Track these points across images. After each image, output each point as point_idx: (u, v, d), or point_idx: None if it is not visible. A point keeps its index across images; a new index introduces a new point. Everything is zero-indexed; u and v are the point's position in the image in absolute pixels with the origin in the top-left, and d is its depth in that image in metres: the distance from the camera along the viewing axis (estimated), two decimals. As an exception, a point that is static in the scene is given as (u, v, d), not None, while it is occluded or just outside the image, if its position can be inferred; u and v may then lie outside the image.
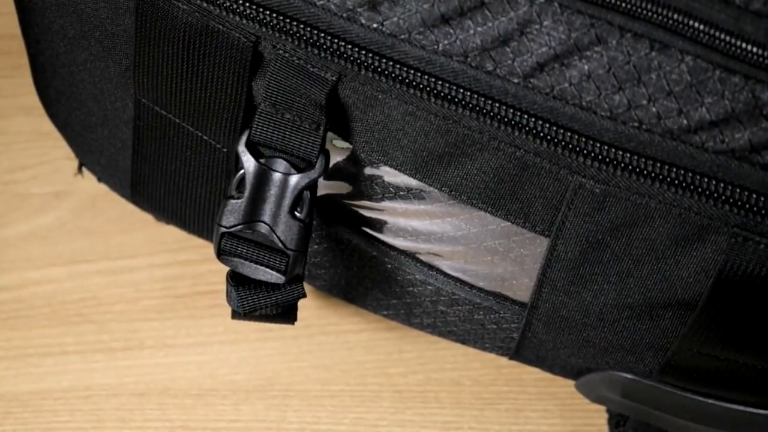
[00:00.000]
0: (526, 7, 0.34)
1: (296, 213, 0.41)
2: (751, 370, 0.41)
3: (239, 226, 0.41)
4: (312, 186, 0.40)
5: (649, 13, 0.33)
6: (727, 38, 0.32)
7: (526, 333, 0.45)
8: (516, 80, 0.35)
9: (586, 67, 0.34)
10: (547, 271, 0.40)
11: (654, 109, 0.34)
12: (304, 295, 0.43)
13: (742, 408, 0.43)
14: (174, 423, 0.54)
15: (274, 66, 0.39)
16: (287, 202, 0.40)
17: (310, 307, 0.57)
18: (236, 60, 0.39)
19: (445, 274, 0.45)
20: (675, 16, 0.33)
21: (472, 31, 0.35)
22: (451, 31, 0.35)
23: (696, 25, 0.33)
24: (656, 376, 0.43)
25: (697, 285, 0.38)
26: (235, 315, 0.44)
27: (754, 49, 0.32)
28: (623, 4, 0.33)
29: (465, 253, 0.43)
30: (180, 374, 0.55)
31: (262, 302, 0.43)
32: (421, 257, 0.45)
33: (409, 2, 0.35)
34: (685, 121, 0.34)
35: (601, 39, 0.34)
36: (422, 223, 0.43)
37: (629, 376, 0.44)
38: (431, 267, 0.45)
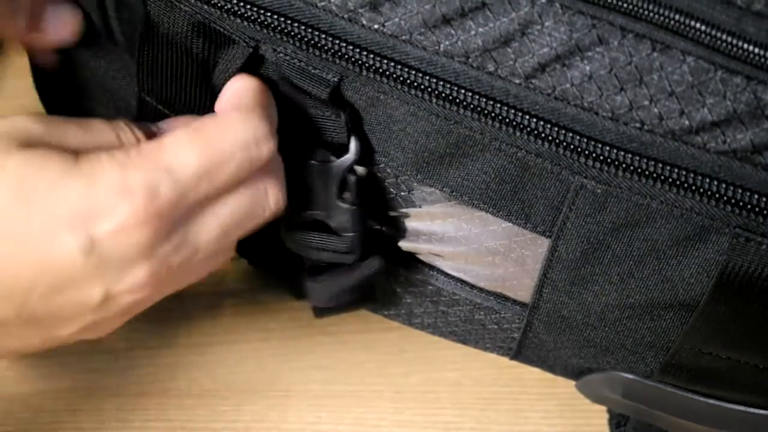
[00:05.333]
0: (528, 8, 0.34)
1: (344, 197, 0.41)
2: (753, 369, 0.41)
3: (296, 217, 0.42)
4: (353, 168, 0.41)
5: (651, 14, 0.33)
6: (729, 39, 0.32)
7: (527, 333, 0.45)
8: (517, 81, 0.35)
9: (587, 67, 0.34)
10: (548, 272, 0.40)
11: (656, 110, 0.34)
12: (382, 268, 0.44)
13: (743, 408, 0.43)
14: (174, 423, 0.54)
15: (276, 68, 0.39)
16: (333, 189, 0.41)
17: (310, 307, 0.57)
18: (237, 62, 0.39)
19: (446, 275, 0.45)
20: (676, 16, 0.33)
21: (473, 32, 0.35)
22: (453, 31, 0.35)
23: (698, 25, 0.33)
24: (657, 376, 0.43)
25: (699, 285, 0.38)
26: (319, 313, 0.45)
27: (756, 50, 0.32)
28: (625, 5, 0.33)
29: (466, 253, 0.43)
30: (180, 374, 0.55)
31: (343, 282, 0.44)
32: (422, 258, 0.45)
33: (410, 3, 0.35)
34: (686, 122, 0.34)
35: (602, 40, 0.34)
36: (423, 224, 0.43)
37: (630, 376, 0.44)
38: (432, 267, 0.45)
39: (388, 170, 0.41)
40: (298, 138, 0.40)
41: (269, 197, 0.39)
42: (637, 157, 0.35)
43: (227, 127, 0.37)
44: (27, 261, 0.35)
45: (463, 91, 0.36)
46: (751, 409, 0.43)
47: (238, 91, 0.39)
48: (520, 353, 0.47)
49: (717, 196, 0.35)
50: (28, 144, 0.35)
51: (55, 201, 0.34)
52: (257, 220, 0.40)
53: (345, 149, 0.40)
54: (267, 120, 0.38)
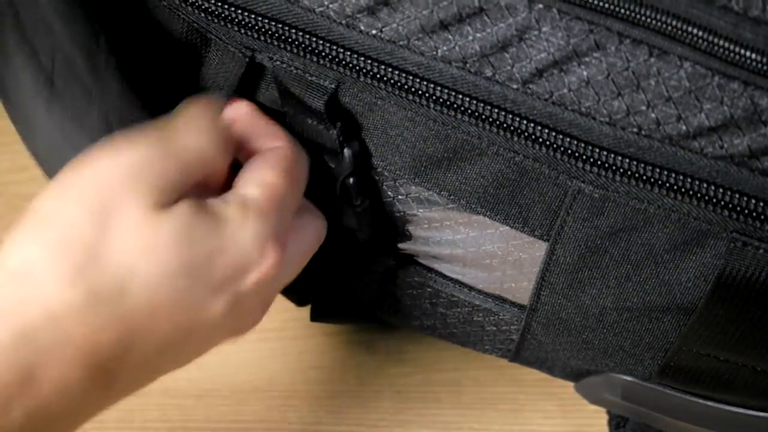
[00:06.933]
0: (525, 14, 0.34)
1: (345, 200, 0.42)
2: (751, 371, 0.41)
3: None
4: (351, 175, 0.41)
5: (648, 20, 0.33)
6: (726, 44, 0.32)
7: (525, 335, 0.45)
8: (515, 86, 0.35)
9: (585, 73, 0.34)
10: (546, 275, 0.40)
11: (653, 115, 0.34)
12: (392, 264, 0.45)
13: (740, 410, 0.43)
14: (174, 423, 0.54)
15: (273, 76, 0.39)
16: (334, 192, 0.41)
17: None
18: (236, 72, 0.39)
19: (444, 277, 0.45)
20: (674, 22, 0.33)
21: (471, 37, 0.35)
22: (450, 37, 0.35)
23: (695, 31, 0.32)
24: (656, 378, 0.43)
25: (696, 290, 0.38)
26: (314, 317, 0.47)
27: (753, 56, 0.32)
28: (622, 11, 0.33)
29: (464, 256, 0.43)
30: (180, 374, 0.54)
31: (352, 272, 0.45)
32: (420, 260, 0.45)
33: (408, 8, 0.35)
34: (684, 127, 0.34)
35: (600, 45, 0.33)
36: (421, 227, 0.43)
37: (629, 378, 0.44)
38: (430, 269, 0.45)
39: (386, 174, 0.41)
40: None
41: (323, 228, 0.42)
42: (635, 162, 0.35)
43: (296, 159, 0.39)
44: (176, 327, 0.35)
45: (460, 96, 0.36)
46: (749, 411, 0.43)
47: (258, 121, 0.40)
48: (518, 355, 0.47)
49: (714, 200, 0.35)
50: (162, 191, 0.35)
51: (212, 267, 0.35)
52: (316, 247, 0.42)
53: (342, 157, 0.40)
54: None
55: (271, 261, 0.36)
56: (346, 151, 0.40)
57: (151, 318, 0.34)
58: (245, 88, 0.40)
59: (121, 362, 0.34)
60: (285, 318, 0.57)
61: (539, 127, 0.36)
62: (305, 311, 0.51)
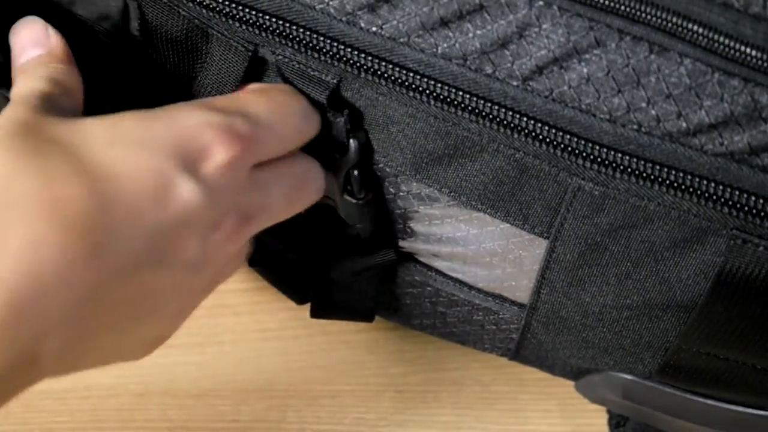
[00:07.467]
0: (525, 11, 0.34)
1: (349, 192, 0.41)
2: (751, 369, 0.41)
3: None
4: (356, 167, 0.41)
5: (648, 16, 0.33)
6: (726, 41, 0.32)
7: (525, 334, 0.45)
8: (515, 83, 0.35)
9: (585, 69, 0.34)
10: (546, 273, 0.40)
11: (653, 112, 0.34)
12: (394, 259, 0.45)
13: (741, 409, 0.43)
14: (174, 423, 0.54)
15: (276, 70, 0.39)
16: (338, 185, 0.41)
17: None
18: (237, 66, 0.39)
19: (445, 275, 0.45)
20: (674, 19, 0.33)
21: (471, 34, 0.35)
22: (450, 34, 0.35)
23: (695, 28, 0.33)
24: (656, 376, 0.43)
25: (696, 287, 0.38)
26: (314, 314, 0.47)
27: (753, 53, 0.32)
28: (622, 8, 0.33)
29: (464, 254, 0.43)
30: (180, 374, 0.55)
31: (354, 265, 0.45)
32: (421, 258, 0.45)
33: (408, 5, 0.35)
34: (684, 124, 0.34)
35: (600, 42, 0.34)
36: (421, 224, 0.43)
37: (629, 377, 0.44)
38: (430, 268, 0.45)
39: (387, 170, 0.41)
40: None
41: (318, 175, 0.41)
42: (635, 159, 0.35)
43: (286, 93, 0.39)
44: (147, 195, 0.33)
45: (461, 93, 0.36)
46: (749, 410, 0.43)
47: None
48: (518, 354, 0.47)
49: (714, 198, 0.35)
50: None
51: (165, 138, 0.34)
52: (311, 194, 0.41)
53: (347, 148, 0.40)
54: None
55: (228, 148, 0.35)
56: (352, 141, 0.40)
57: (114, 179, 0.32)
58: (249, 81, 0.40)
59: (99, 226, 0.32)
60: (285, 317, 0.57)
61: (539, 124, 0.36)
62: (305, 311, 0.51)
